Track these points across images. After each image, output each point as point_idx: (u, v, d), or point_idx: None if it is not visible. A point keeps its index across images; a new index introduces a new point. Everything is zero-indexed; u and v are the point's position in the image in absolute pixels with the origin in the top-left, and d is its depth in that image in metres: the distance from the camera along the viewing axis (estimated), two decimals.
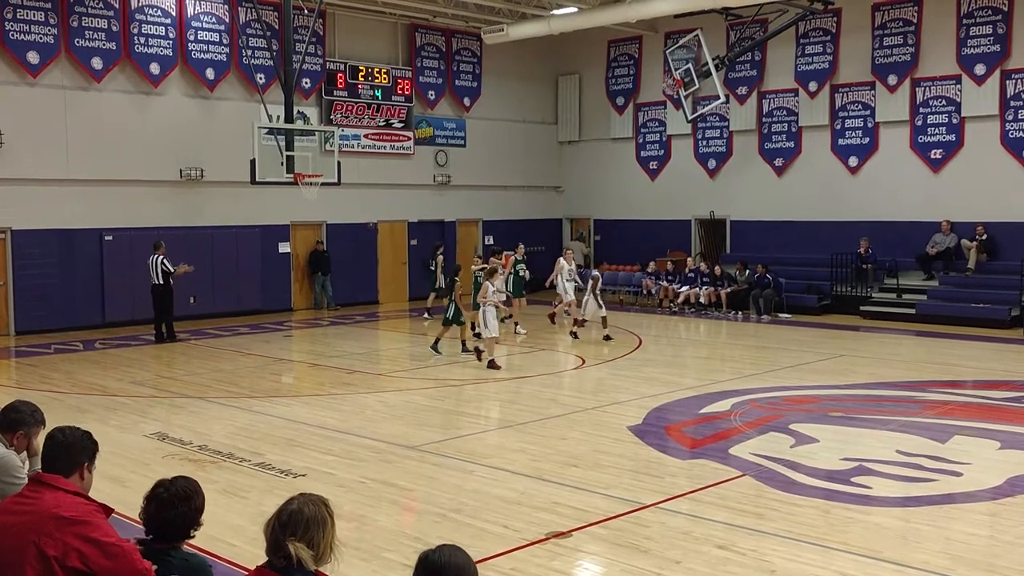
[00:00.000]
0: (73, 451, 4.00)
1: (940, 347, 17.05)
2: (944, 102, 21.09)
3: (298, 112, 20.15)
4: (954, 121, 20.98)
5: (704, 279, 22.56)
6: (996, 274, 19.82)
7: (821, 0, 21.39)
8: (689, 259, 23.92)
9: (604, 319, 17.93)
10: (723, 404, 11.88)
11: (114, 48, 19.49)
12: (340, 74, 23.18)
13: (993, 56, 20.32)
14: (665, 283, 23.21)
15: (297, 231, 22.82)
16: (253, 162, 18.08)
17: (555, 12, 22.54)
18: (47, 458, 4.00)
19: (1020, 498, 8.05)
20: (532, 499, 8.05)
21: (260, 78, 20.35)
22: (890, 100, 21.80)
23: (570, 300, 19.20)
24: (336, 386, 13.56)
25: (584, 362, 15.61)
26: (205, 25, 20.87)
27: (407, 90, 24.49)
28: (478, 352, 14.97)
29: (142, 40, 19.88)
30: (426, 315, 20.77)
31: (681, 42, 24.44)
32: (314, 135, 20.46)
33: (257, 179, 18.26)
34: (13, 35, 18.24)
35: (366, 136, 23.77)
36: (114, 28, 19.47)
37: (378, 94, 23.93)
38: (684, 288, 22.65)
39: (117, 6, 19.50)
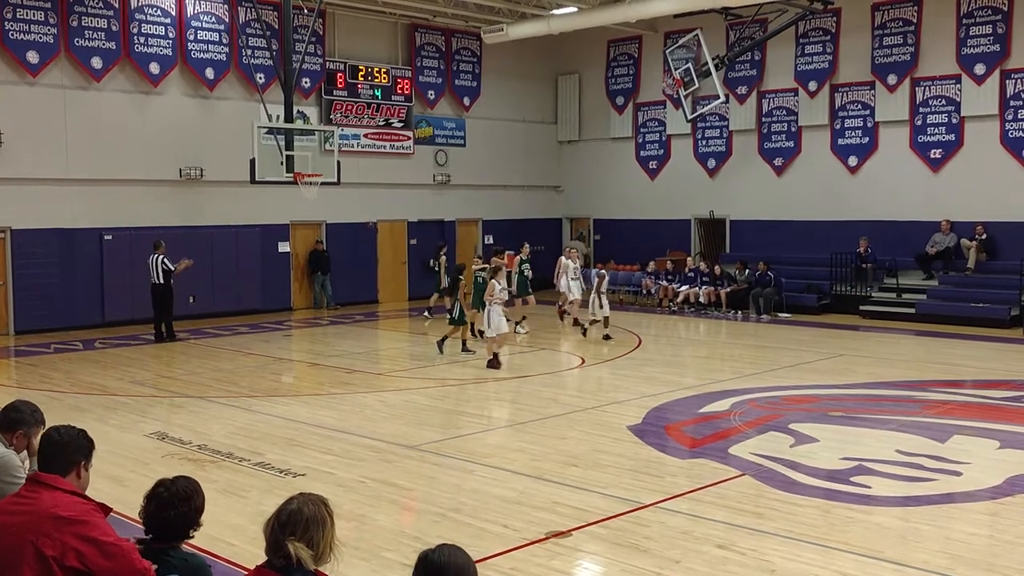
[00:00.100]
0: (69, 450, 3.99)
1: (940, 347, 17.06)
2: (944, 102, 21.10)
3: (298, 112, 20.14)
4: (954, 121, 20.98)
5: (704, 279, 22.56)
6: (996, 274, 19.82)
7: (821, 0, 21.39)
8: (689, 259, 23.91)
9: (606, 319, 17.92)
10: (723, 404, 11.88)
11: (114, 48, 19.49)
12: (340, 74, 23.18)
13: (993, 56, 20.32)
14: (665, 283, 23.21)
15: (297, 231, 22.82)
16: (253, 162, 18.07)
17: (555, 12, 22.54)
18: (44, 458, 3.99)
19: (1020, 497, 8.05)
20: (532, 499, 8.05)
21: (260, 78, 20.35)
22: (890, 100, 21.80)
23: (575, 298, 19.20)
24: (336, 386, 13.56)
25: (584, 362, 15.62)
26: (205, 25, 20.87)
27: (407, 90, 24.49)
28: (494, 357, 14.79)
29: (142, 40, 19.88)
30: (426, 313, 20.78)
31: (681, 42, 24.45)
32: (314, 135, 20.45)
33: (257, 179, 18.24)
34: (13, 35, 18.23)
35: (366, 136, 23.77)
36: (114, 28, 19.47)
37: (378, 94, 23.93)
38: (684, 288, 22.65)
39: (117, 6, 19.50)
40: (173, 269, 17.76)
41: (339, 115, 23.07)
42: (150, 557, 3.68)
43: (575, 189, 28.09)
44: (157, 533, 3.73)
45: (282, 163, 18.31)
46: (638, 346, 17.03)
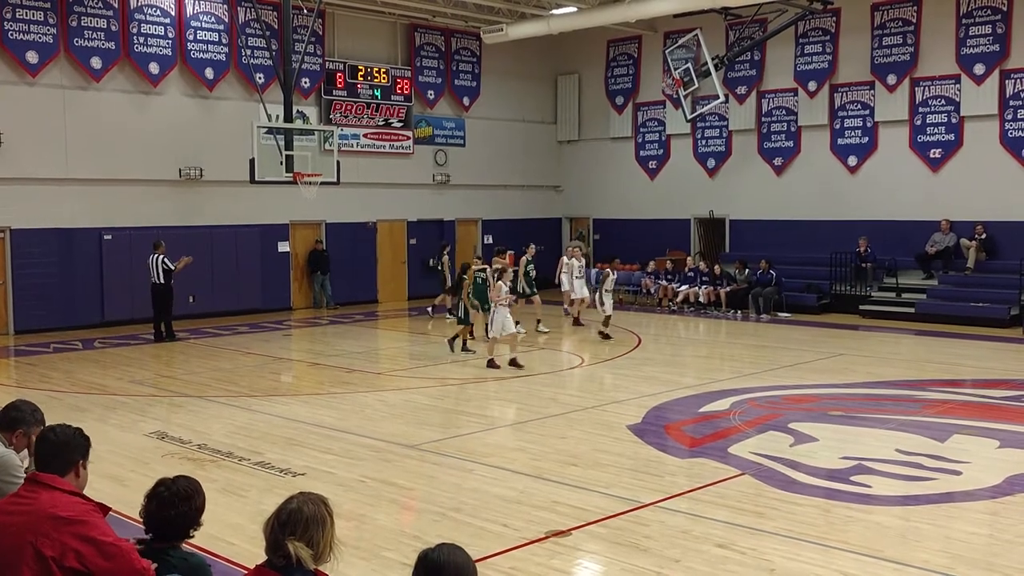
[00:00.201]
0: (68, 449, 3.99)
1: (939, 346, 17.06)
2: (943, 102, 21.10)
3: (297, 112, 20.14)
4: (953, 121, 20.99)
5: (703, 278, 22.56)
6: (995, 273, 19.83)
7: (820, 0, 21.40)
8: (688, 258, 23.92)
9: (607, 318, 17.89)
10: (722, 403, 11.88)
11: (113, 48, 19.49)
12: (339, 74, 23.18)
13: (992, 56, 20.32)
14: (664, 282, 23.22)
15: (296, 230, 22.82)
16: (252, 161, 18.06)
17: (554, 12, 22.54)
18: (41, 458, 3.98)
19: (1019, 497, 8.05)
20: (531, 498, 8.05)
21: (259, 78, 20.35)
22: (889, 100, 21.80)
23: (583, 297, 19.14)
24: (335, 385, 13.56)
25: (584, 361, 15.62)
26: (204, 25, 20.87)
27: (406, 90, 24.49)
28: (490, 362, 14.78)
29: (141, 40, 19.88)
30: (430, 310, 20.94)
31: (680, 42, 24.45)
32: (313, 134, 20.46)
33: (256, 178, 18.23)
34: (12, 35, 18.23)
35: (365, 135, 23.77)
36: (113, 28, 19.46)
37: (377, 94, 23.93)
38: (683, 287, 22.65)
39: (116, 6, 19.49)
40: (173, 268, 17.76)
41: (339, 115, 23.07)
42: (150, 556, 3.68)
43: (575, 189, 28.09)
44: (157, 532, 3.73)
45: (282, 163, 18.30)
46: (638, 346, 17.03)
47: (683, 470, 9.04)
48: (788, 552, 6.71)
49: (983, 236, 20.22)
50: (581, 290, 19.49)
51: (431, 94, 25.11)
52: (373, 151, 23.96)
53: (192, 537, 3.83)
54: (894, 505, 7.93)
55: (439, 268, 21.43)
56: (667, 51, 24.88)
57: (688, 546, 6.87)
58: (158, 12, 20.12)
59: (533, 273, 19.40)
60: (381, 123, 24.08)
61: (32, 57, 18.47)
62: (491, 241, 25.58)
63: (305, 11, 20.86)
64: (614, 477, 8.70)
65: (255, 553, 4.07)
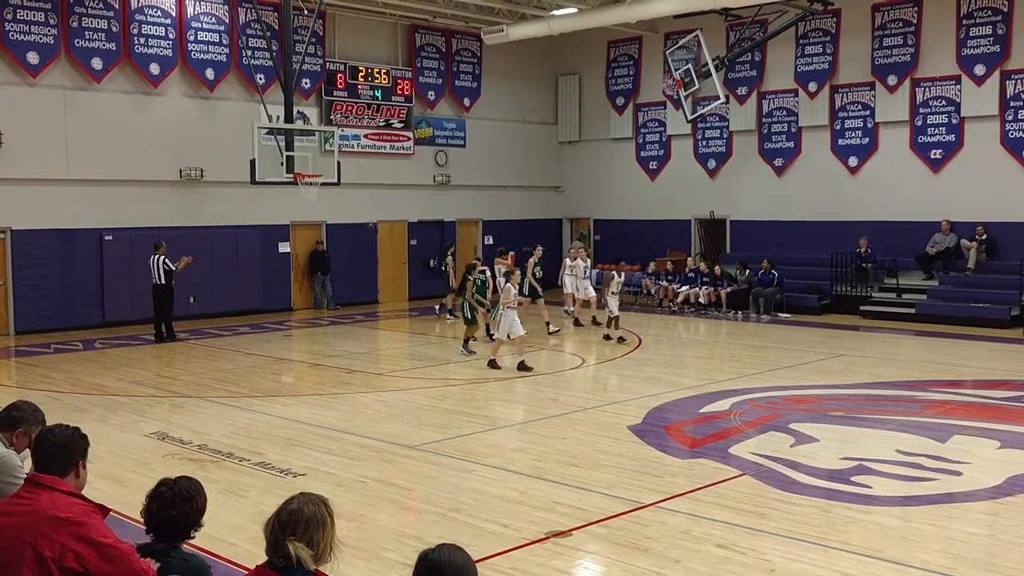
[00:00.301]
0: (68, 450, 3.99)
1: (940, 347, 17.05)
2: (944, 102, 21.10)
3: (298, 112, 20.15)
4: (954, 121, 20.98)
5: (704, 279, 22.56)
6: (996, 274, 19.83)
7: (821, 1, 21.40)
8: (689, 259, 23.92)
9: (610, 319, 17.85)
10: (723, 403, 11.88)
11: (114, 48, 19.49)
12: (340, 74, 23.18)
13: (993, 56, 20.32)
14: (665, 283, 23.22)
15: (297, 231, 22.83)
16: (253, 162, 18.08)
17: (555, 13, 22.54)
18: (41, 459, 3.98)
19: (1020, 497, 8.05)
20: (532, 498, 8.05)
21: (260, 78, 20.35)
22: (890, 100, 21.80)
23: (590, 297, 19.07)
24: (336, 386, 13.56)
25: (584, 361, 15.62)
26: (205, 25, 20.88)
27: (407, 90, 24.50)
28: (491, 362, 14.78)
29: (142, 40, 19.89)
30: (438, 310, 21.09)
31: (681, 42, 24.44)
32: (314, 135, 20.48)
33: (257, 179, 18.26)
34: (13, 35, 18.24)
35: (366, 136, 23.78)
36: (114, 28, 19.47)
37: (378, 94, 23.94)
38: (684, 288, 22.65)
39: (117, 6, 19.50)
40: (174, 269, 17.77)
41: (339, 116, 23.07)
42: (151, 557, 3.68)
43: (575, 190, 28.09)
44: (158, 532, 3.73)
45: (282, 164, 18.33)
46: (638, 346, 17.03)
47: (683, 470, 9.04)
48: (788, 552, 6.72)
49: (984, 237, 20.22)
50: (588, 291, 19.41)
51: (432, 95, 25.12)
52: (374, 152, 23.97)
53: (192, 538, 3.83)
54: (894, 506, 7.93)
55: (444, 268, 21.45)
56: (667, 52, 24.87)
57: (688, 546, 6.87)
58: (159, 13, 20.13)
59: (540, 274, 19.45)
60: (382, 124, 24.09)
61: (33, 58, 18.48)
62: (492, 242, 25.59)
63: (305, 12, 20.87)
64: (614, 477, 8.70)
65: (255, 554, 4.08)
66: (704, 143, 25.21)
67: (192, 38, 20.64)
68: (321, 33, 22.49)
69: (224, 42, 21.12)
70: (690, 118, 24.38)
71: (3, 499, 4.11)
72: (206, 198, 21.07)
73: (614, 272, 18.21)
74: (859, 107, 22.36)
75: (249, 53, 21.06)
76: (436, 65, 25.22)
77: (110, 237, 19.64)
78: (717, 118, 24.66)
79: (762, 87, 23.99)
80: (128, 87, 19.93)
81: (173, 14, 20.35)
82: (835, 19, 22.53)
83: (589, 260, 20.32)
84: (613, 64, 27.02)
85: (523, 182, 27.40)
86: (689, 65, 23.89)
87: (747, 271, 22.30)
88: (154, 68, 20.09)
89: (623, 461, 9.30)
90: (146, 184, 20.19)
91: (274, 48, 19.78)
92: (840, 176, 22.69)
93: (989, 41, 20.36)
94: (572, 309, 20.03)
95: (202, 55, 20.82)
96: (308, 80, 22.35)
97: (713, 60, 22.89)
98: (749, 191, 24.22)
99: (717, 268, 22.64)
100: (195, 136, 20.72)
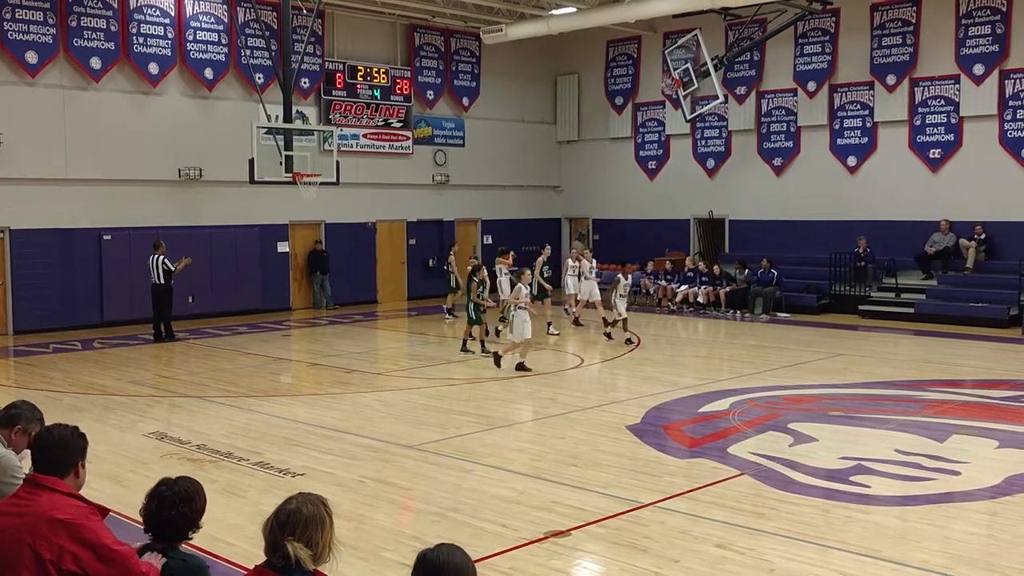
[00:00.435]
0: (66, 451, 3.97)
1: (939, 346, 17.06)
2: (943, 102, 21.11)
3: (297, 112, 20.15)
4: (953, 121, 20.99)
5: (703, 278, 22.56)
6: (994, 273, 19.84)
7: (820, 0, 21.40)
8: (688, 259, 23.92)
9: (615, 321, 17.78)
10: (722, 403, 11.88)
11: (113, 48, 19.48)
12: (339, 74, 23.18)
13: (992, 56, 20.33)
14: (664, 282, 23.21)
15: (296, 231, 22.82)
16: (252, 162, 18.06)
17: (554, 12, 22.54)
18: (40, 459, 3.97)
19: (1019, 497, 8.05)
20: (531, 498, 8.05)
21: (259, 78, 20.34)
22: (889, 100, 21.81)
23: (596, 299, 19.01)
24: (335, 385, 13.56)
25: (583, 361, 15.62)
26: (204, 25, 20.87)
27: (406, 90, 24.49)
28: (496, 357, 14.77)
29: (141, 40, 19.88)
30: (445, 314, 20.99)
31: (680, 42, 24.46)
32: (313, 135, 20.46)
33: (256, 179, 18.24)
34: (12, 35, 18.23)
35: (365, 136, 23.77)
36: (113, 28, 19.46)
37: (377, 94, 23.93)
38: (683, 287, 22.65)
39: (116, 6, 19.49)
40: (173, 269, 17.77)
41: (338, 115, 23.07)
42: (156, 552, 3.68)
43: (574, 189, 28.09)
44: (157, 532, 3.72)
45: (281, 163, 18.31)
46: (637, 346, 17.03)
47: (682, 470, 9.04)
48: (787, 552, 6.72)
49: (982, 236, 20.23)
50: (594, 292, 19.21)
51: (430, 94, 25.12)
52: (372, 151, 23.96)
53: (191, 539, 3.83)
54: (893, 505, 7.93)
55: (447, 268, 21.40)
56: (666, 51, 24.89)
57: (687, 546, 6.87)
58: (157, 12, 20.12)
59: (549, 274, 19.47)
60: (380, 123, 24.09)
61: (32, 57, 18.47)
62: (491, 241, 25.60)
63: (304, 11, 20.87)
64: (613, 477, 8.70)
65: (254, 554, 4.07)
66: (703, 143, 25.21)
67: (191, 38, 20.64)
68: (320, 32, 22.49)
69: (223, 42, 21.12)
70: (689, 118, 24.39)
71: (2, 499, 4.11)
72: (205, 198, 21.07)
73: (619, 275, 18.09)
74: (858, 107, 22.37)
75: (248, 53, 21.06)
76: (435, 65, 25.22)
77: (109, 237, 19.63)
78: (716, 118, 24.66)
79: (761, 87, 23.99)
80: (127, 87, 19.92)
81: (172, 14, 20.34)
82: (834, 19, 22.54)
83: (594, 260, 20.20)
84: (612, 64, 27.02)
85: (522, 182, 27.40)
86: (688, 65, 23.90)
87: (746, 271, 22.30)
88: (153, 68, 20.08)
89: (622, 461, 9.30)
90: (145, 184, 20.18)
91: (273, 48, 19.77)
92: (839, 176, 22.70)
93: (988, 41, 20.37)
94: (573, 309, 20.02)
95: (201, 55, 20.81)
96: (307, 79, 22.35)
97: (712, 60, 22.91)
98: (748, 191, 24.23)
99: (716, 268, 22.63)
100: (194, 136, 20.72)
